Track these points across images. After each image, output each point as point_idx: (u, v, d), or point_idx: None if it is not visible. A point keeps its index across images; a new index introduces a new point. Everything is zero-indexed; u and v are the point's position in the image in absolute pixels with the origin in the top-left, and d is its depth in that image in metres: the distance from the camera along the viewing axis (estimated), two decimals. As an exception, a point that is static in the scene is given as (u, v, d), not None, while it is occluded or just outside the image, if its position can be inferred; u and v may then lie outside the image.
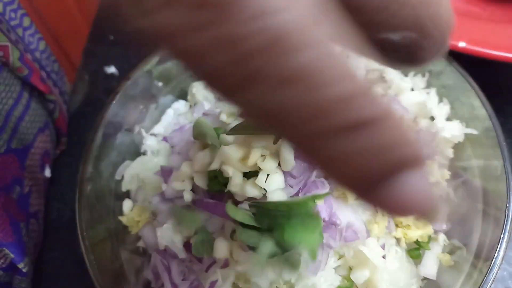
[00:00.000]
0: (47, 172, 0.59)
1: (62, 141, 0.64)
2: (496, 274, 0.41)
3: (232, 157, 0.41)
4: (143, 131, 0.55)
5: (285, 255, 0.40)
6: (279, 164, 0.41)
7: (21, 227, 0.49)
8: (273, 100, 0.14)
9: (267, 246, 0.39)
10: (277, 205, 0.38)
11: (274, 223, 0.38)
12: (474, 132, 0.48)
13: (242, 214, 0.39)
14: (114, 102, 0.51)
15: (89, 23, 0.79)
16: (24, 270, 0.48)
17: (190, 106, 0.57)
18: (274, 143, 0.40)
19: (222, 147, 0.42)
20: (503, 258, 0.41)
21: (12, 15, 0.53)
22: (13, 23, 0.53)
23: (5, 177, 0.48)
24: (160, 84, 0.56)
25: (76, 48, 0.75)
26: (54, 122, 0.61)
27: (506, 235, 0.42)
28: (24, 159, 0.53)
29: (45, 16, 0.65)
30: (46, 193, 0.60)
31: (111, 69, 0.72)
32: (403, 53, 0.21)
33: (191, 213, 0.44)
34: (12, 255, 0.46)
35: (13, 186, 0.50)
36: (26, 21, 0.56)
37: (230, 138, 0.44)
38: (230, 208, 0.39)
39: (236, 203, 0.41)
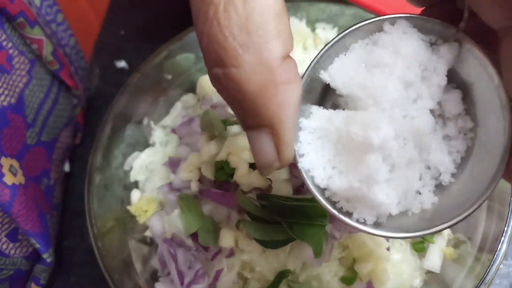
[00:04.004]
0: (66, 167, 0.60)
1: (77, 136, 0.65)
2: (498, 267, 0.41)
3: (239, 147, 0.42)
4: (152, 123, 0.56)
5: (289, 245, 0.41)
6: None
7: (47, 219, 0.50)
8: None
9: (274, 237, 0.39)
10: (288, 199, 0.39)
11: (283, 217, 0.39)
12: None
13: (251, 204, 0.39)
14: (124, 94, 0.52)
15: (99, 18, 0.80)
16: (48, 260, 0.49)
17: (199, 99, 0.58)
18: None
19: (229, 138, 0.43)
20: (505, 251, 0.41)
21: (48, 10, 0.55)
22: (48, 18, 0.54)
23: (36, 169, 0.49)
24: (169, 77, 0.57)
25: (87, 43, 0.76)
26: (75, 118, 0.63)
27: (509, 229, 0.42)
28: (51, 152, 0.54)
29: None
30: (65, 187, 0.61)
31: (122, 64, 0.73)
32: None
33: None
34: (38, 245, 0.47)
35: (42, 178, 0.51)
36: (60, 17, 0.57)
37: (236, 129, 0.44)
38: (240, 195, 0.40)
39: (243, 193, 0.41)
